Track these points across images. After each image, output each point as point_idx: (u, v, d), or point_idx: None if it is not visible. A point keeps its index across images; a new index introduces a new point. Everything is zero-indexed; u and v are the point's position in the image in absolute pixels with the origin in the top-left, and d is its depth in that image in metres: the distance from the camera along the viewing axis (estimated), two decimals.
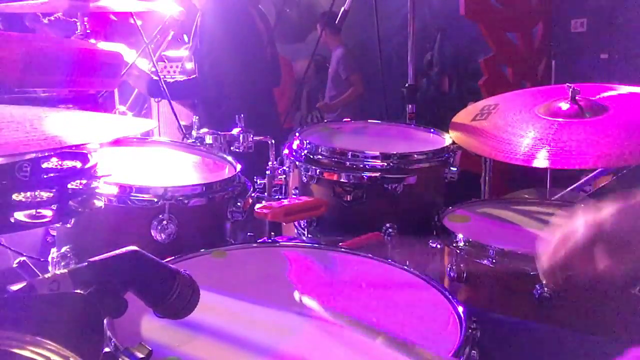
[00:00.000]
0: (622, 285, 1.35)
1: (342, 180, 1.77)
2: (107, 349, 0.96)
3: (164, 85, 3.07)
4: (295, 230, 1.94)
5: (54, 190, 1.04)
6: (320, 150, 1.83)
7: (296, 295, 1.15)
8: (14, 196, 0.98)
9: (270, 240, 1.59)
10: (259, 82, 3.28)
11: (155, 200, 1.47)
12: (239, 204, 1.61)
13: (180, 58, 4.59)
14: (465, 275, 1.53)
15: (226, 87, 3.15)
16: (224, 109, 3.09)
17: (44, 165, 1.05)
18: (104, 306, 0.84)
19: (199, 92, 3.24)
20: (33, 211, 1.01)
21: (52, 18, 3.86)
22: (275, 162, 2.03)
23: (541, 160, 1.61)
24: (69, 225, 1.17)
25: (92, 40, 2.99)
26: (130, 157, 1.83)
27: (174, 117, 3.14)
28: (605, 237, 1.06)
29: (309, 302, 1.13)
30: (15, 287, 0.82)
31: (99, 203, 1.16)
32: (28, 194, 1.00)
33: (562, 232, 1.11)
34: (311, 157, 1.85)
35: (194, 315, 0.97)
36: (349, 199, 1.77)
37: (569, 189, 2.91)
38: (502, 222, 1.72)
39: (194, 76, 3.31)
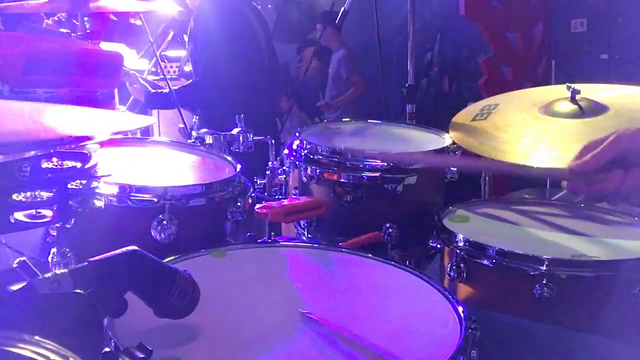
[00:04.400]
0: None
1: (342, 180, 1.77)
2: (107, 349, 0.96)
3: (161, 96, 3.08)
4: (295, 230, 1.94)
5: (54, 190, 1.03)
6: (320, 150, 1.83)
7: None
8: (14, 196, 0.98)
9: (270, 240, 1.59)
10: (256, 83, 3.25)
11: (155, 200, 1.47)
12: (239, 204, 1.61)
13: (179, 58, 4.59)
14: (465, 275, 1.53)
15: (222, 89, 3.12)
16: (220, 111, 3.07)
17: (44, 165, 1.05)
18: (104, 306, 0.84)
19: (198, 96, 3.23)
20: (33, 211, 1.01)
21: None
22: (275, 162, 2.03)
23: (541, 160, 1.61)
24: (69, 225, 1.17)
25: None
26: (130, 157, 1.83)
27: (181, 119, 3.14)
28: (632, 154, 1.07)
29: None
30: (15, 287, 0.82)
31: (99, 203, 1.16)
32: (28, 194, 1.00)
33: (589, 141, 1.13)
34: (311, 157, 1.85)
35: (194, 315, 0.97)
36: (349, 199, 1.77)
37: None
38: (502, 222, 1.72)
39: (190, 81, 3.28)
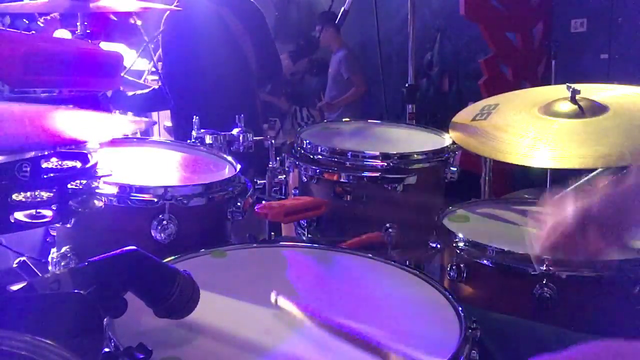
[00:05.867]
0: (616, 271, 1.39)
1: (342, 180, 1.77)
2: (107, 349, 0.96)
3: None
4: (295, 230, 1.94)
5: (54, 190, 1.03)
6: (320, 150, 1.83)
7: (272, 297, 1.14)
8: (14, 196, 0.98)
9: (270, 240, 1.59)
10: (228, 85, 3.11)
11: (155, 200, 1.47)
12: (239, 204, 1.61)
13: None
14: (465, 275, 1.53)
15: (182, 95, 3.04)
16: (179, 116, 2.99)
17: (44, 165, 1.05)
18: (104, 306, 0.84)
19: (163, 102, 3.14)
20: (33, 211, 1.01)
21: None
22: (275, 162, 2.03)
23: (541, 160, 1.61)
24: (69, 225, 1.17)
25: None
26: (130, 157, 1.83)
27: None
28: (593, 220, 1.14)
29: (284, 303, 1.12)
30: (15, 287, 0.82)
31: (99, 203, 1.16)
32: (28, 194, 1.00)
33: (552, 219, 1.20)
34: (311, 157, 1.85)
35: (194, 315, 0.97)
36: (349, 199, 1.77)
37: (569, 189, 2.91)
38: (502, 222, 1.72)
39: (151, 88, 3.20)
